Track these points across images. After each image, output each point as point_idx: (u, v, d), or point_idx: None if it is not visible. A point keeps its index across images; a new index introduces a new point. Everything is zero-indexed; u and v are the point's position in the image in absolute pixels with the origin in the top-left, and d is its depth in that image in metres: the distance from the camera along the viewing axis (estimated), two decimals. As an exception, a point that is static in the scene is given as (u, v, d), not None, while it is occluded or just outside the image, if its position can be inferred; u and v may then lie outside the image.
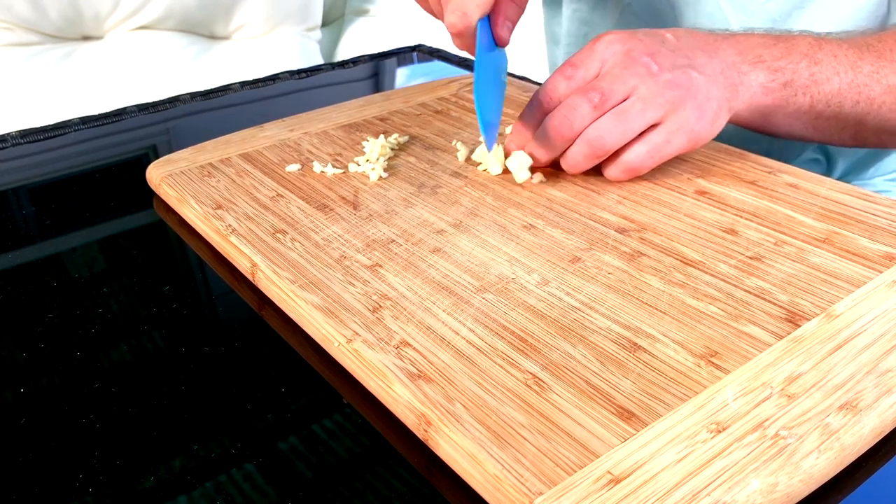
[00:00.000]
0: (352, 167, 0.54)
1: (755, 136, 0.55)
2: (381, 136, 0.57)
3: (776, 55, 0.50)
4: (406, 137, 0.58)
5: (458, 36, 0.49)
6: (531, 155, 0.50)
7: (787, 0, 0.61)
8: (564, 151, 0.49)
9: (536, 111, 0.49)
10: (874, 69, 0.51)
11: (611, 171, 0.49)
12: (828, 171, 0.70)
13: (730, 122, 0.50)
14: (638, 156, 0.47)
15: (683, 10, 0.67)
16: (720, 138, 0.51)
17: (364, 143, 0.57)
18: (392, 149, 0.56)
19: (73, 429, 0.35)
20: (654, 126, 0.47)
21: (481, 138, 0.49)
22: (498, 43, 0.51)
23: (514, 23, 0.51)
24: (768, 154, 0.54)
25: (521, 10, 0.51)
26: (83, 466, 0.33)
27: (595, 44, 0.48)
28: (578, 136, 0.47)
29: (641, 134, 0.47)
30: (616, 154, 0.48)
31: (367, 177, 0.52)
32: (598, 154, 0.48)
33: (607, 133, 0.46)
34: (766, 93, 0.50)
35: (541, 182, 0.50)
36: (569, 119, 0.47)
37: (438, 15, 0.54)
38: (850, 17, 0.60)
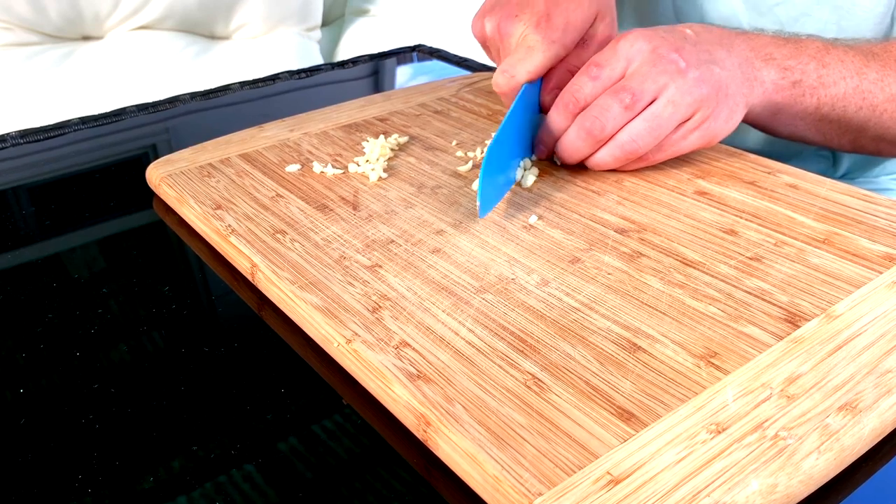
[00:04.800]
0: (352, 167, 0.54)
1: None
2: (381, 137, 0.57)
3: (786, 54, 0.50)
4: (406, 138, 0.58)
5: (502, 95, 0.50)
6: (560, 156, 0.50)
7: (796, 6, 0.62)
8: (593, 152, 0.49)
9: (563, 112, 0.49)
10: (879, 77, 0.51)
11: (624, 165, 0.49)
12: (833, 167, 0.70)
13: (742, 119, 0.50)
14: (657, 156, 0.48)
15: (688, 10, 0.67)
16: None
17: (364, 144, 0.57)
18: (392, 149, 0.56)
19: (73, 429, 0.35)
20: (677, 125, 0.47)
21: (530, 184, 0.48)
22: (542, 108, 0.52)
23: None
24: (773, 148, 0.54)
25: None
26: (83, 467, 0.33)
27: (618, 43, 0.48)
28: (610, 137, 0.47)
29: None
30: None
31: (367, 177, 0.52)
32: (629, 158, 0.48)
33: (640, 138, 0.47)
34: (776, 90, 0.50)
35: (540, 182, 0.51)
36: (600, 120, 0.46)
37: (495, 61, 0.55)
38: (856, 27, 0.61)
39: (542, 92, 0.52)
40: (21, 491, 0.32)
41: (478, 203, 0.45)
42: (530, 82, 0.50)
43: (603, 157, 0.48)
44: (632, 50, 0.47)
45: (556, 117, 0.49)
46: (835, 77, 0.51)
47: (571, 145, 0.48)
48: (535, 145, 0.52)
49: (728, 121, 0.48)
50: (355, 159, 0.55)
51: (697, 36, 0.49)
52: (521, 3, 0.51)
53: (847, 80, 0.51)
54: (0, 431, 0.35)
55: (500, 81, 0.50)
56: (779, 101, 0.51)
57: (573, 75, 0.51)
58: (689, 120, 0.47)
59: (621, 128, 0.47)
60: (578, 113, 0.48)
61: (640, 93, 0.46)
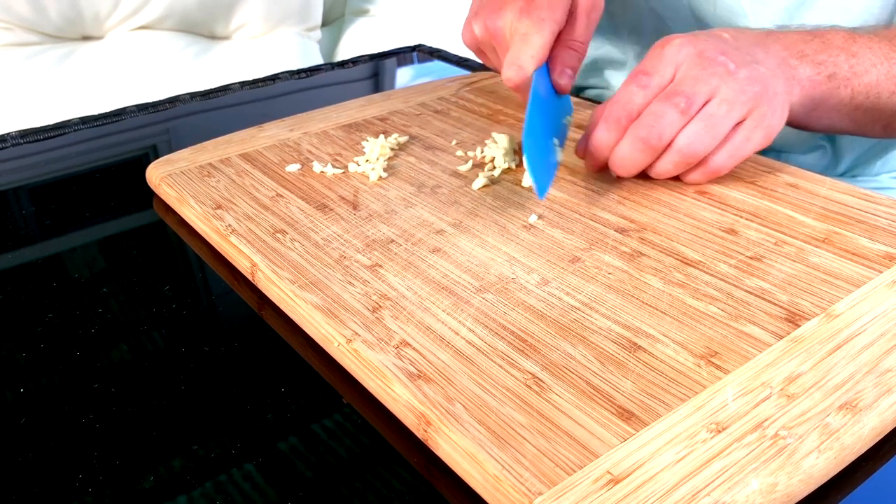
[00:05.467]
0: (352, 167, 0.54)
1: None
2: (381, 136, 0.57)
3: (816, 49, 0.50)
4: (406, 137, 0.58)
5: (516, 89, 0.50)
6: (614, 170, 0.48)
7: None
8: (652, 162, 0.47)
9: (614, 126, 0.47)
10: None
11: (693, 177, 0.48)
12: (834, 165, 0.70)
13: None
14: (722, 159, 0.46)
15: (703, 4, 0.67)
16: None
17: (364, 143, 0.57)
18: (392, 149, 0.56)
19: (73, 429, 0.35)
20: (735, 126, 0.46)
21: (531, 184, 0.46)
22: (558, 90, 0.51)
23: (575, 69, 0.51)
24: (773, 146, 0.53)
25: (581, 55, 0.51)
26: (83, 466, 0.33)
27: (664, 49, 0.46)
28: (668, 145, 0.46)
29: None
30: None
31: (367, 177, 0.52)
32: (689, 162, 0.46)
33: (699, 140, 0.45)
34: (813, 86, 0.49)
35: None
36: (657, 128, 0.45)
37: (497, 67, 0.54)
38: (861, 13, 0.60)
39: (552, 75, 0.51)
40: (21, 491, 0.32)
41: (533, 185, 0.44)
42: (538, 68, 0.50)
43: (663, 166, 0.47)
44: (679, 55, 0.46)
45: (605, 132, 0.47)
46: (865, 65, 0.50)
47: (628, 158, 0.46)
48: (585, 159, 0.50)
49: (781, 118, 0.47)
50: (355, 159, 0.55)
51: (735, 40, 0.48)
52: None
53: (878, 66, 0.50)
54: (0, 431, 0.35)
55: (510, 75, 0.49)
56: (815, 97, 0.50)
57: (574, 50, 0.51)
58: (745, 120, 0.45)
59: (677, 133, 0.45)
60: (630, 124, 0.46)
61: (693, 95, 0.44)
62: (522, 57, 0.49)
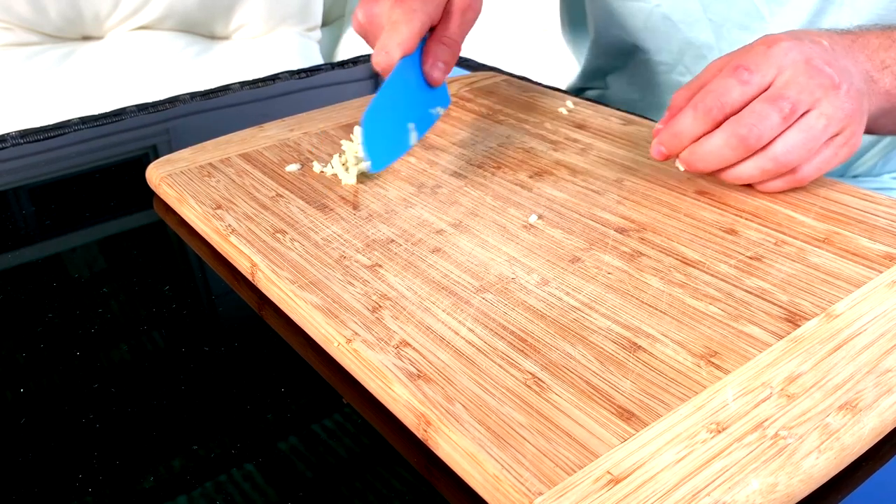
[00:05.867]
0: (326, 169, 0.54)
1: None
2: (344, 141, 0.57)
3: (895, 57, 0.49)
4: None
5: (384, 74, 0.51)
6: (692, 161, 0.46)
7: None
8: (737, 163, 0.45)
9: (703, 116, 0.44)
10: None
11: (774, 185, 0.46)
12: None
13: None
14: (809, 171, 0.45)
15: (716, 6, 0.66)
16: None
17: (343, 143, 0.57)
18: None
19: (73, 429, 0.35)
20: (827, 140, 0.45)
21: (363, 156, 0.47)
22: (429, 82, 0.53)
23: (448, 64, 0.52)
24: None
25: (454, 52, 0.52)
26: (83, 466, 0.33)
27: (770, 48, 0.44)
28: (762, 148, 0.44)
29: None
30: None
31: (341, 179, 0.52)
32: (780, 171, 0.45)
33: (795, 150, 0.43)
34: (888, 98, 0.49)
35: (540, 182, 0.51)
36: (758, 128, 0.43)
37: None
38: (883, 16, 0.60)
39: (424, 67, 0.53)
40: (21, 491, 0.32)
41: (364, 156, 0.46)
42: (407, 56, 0.51)
43: (747, 170, 0.45)
44: (785, 59, 0.44)
45: (691, 120, 0.45)
46: None
47: (716, 152, 0.44)
48: (654, 146, 0.47)
49: (862, 133, 0.46)
50: (332, 160, 0.54)
51: (833, 50, 0.46)
52: None
53: None
54: (0, 431, 0.35)
55: (378, 60, 0.50)
56: (888, 108, 0.49)
57: (447, 46, 0.52)
58: (838, 135, 0.44)
59: (776, 139, 0.44)
60: (723, 118, 0.44)
61: (797, 103, 0.43)
62: (390, 44, 0.50)
